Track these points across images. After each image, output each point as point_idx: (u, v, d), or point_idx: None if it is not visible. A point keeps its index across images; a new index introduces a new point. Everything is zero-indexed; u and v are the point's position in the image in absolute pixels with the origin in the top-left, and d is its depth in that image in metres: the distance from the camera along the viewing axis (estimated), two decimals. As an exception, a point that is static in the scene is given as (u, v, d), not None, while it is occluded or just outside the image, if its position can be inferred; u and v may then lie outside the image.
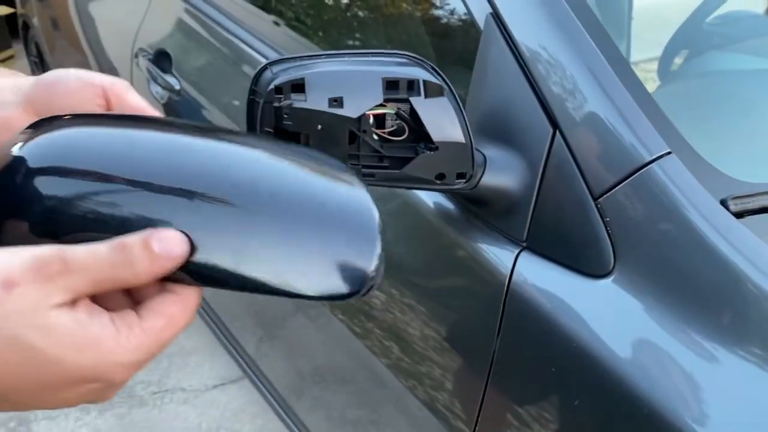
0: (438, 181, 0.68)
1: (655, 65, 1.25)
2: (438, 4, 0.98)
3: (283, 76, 0.57)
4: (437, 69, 0.66)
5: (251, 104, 0.59)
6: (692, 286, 0.63)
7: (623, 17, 1.32)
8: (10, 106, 0.44)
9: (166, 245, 0.35)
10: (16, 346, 0.31)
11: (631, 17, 1.35)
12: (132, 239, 0.34)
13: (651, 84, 1.22)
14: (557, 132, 0.69)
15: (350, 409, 1.12)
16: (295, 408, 1.31)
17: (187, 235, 0.36)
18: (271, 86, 0.57)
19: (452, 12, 0.92)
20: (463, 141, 0.67)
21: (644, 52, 1.31)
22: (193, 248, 0.37)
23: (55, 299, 0.32)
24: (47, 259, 0.33)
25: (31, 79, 0.46)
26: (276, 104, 0.57)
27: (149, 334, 0.35)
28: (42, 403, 0.34)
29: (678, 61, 1.22)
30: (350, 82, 0.59)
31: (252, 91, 0.59)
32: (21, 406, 0.34)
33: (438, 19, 0.98)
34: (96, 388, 0.34)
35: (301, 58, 0.60)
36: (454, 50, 0.95)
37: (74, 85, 0.44)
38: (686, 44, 1.25)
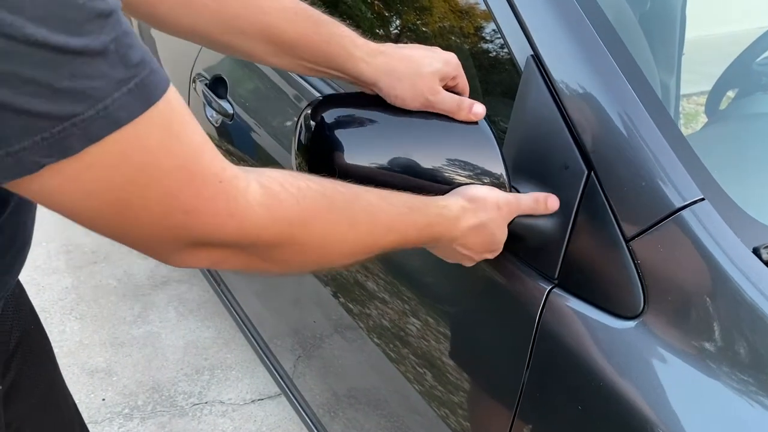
0: None
1: (705, 99, 1.25)
2: (484, 40, 1.00)
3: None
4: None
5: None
6: (720, 333, 0.63)
7: (674, 51, 1.32)
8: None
9: (552, 203, 0.73)
10: (492, 232, 0.70)
11: (682, 52, 1.34)
12: (540, 196, 0.72)
13: (699, 121, 1.21)
14: (592, 173, 0.71)
15: (382, 432, 1.13)
16: (328, 428, 1.33)
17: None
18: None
19: (497, 50, 0.95)
20: (502, 179, 0.69)
21: (696, 85, 1.30)
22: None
23: (507, 217, 0.71)
24: (511, 200, 0.70)
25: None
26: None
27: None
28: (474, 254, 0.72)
29: (725, 100, 1.22)
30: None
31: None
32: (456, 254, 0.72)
33: (484, 53, 1.01)
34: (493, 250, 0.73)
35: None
36: (501, 83, 0.97)
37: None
38: (734, 84, 1.25)
